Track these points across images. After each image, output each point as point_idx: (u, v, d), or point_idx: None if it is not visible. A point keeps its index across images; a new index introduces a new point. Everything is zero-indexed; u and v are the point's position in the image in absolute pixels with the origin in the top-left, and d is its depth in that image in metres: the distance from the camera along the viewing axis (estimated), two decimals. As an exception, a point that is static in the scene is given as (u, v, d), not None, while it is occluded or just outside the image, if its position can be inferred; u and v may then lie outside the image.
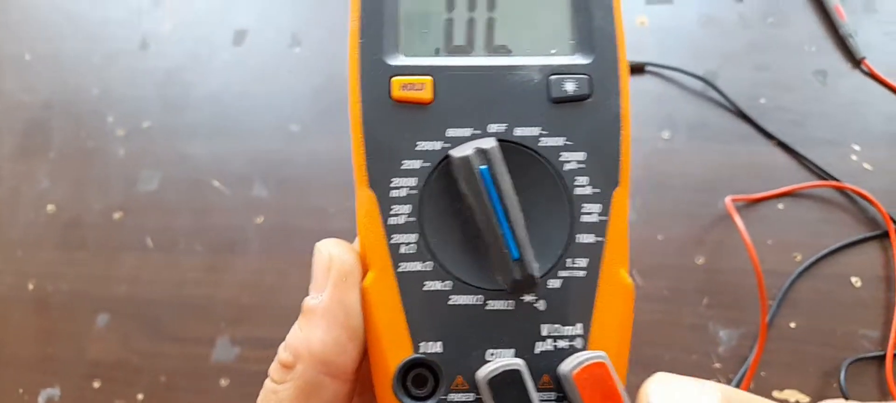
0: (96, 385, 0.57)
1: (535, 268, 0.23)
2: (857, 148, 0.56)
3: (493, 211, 0.22)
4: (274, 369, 0.24)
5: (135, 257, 0.62)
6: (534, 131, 0.23)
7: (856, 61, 0.58)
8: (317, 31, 0.68)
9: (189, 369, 0.57)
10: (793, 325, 0.52)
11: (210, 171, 0.64)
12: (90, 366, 0.58)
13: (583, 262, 0.24)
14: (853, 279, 0.53)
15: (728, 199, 0.54)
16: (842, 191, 0.55)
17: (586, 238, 0.24)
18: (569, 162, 0.24)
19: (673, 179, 0.57)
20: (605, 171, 0.24)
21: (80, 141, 0.67)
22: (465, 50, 0.24)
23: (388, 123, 0.23)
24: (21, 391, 0.58)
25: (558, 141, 0.24)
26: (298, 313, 0.24)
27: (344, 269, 0.23)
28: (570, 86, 0.24)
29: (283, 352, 0.24)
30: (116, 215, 0.63)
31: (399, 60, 0.24)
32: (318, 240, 0.25)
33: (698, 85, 0.60)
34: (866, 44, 0.59)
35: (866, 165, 0.56)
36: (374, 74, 0.23)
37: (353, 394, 0.24)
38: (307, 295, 0.24)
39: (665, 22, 0.62)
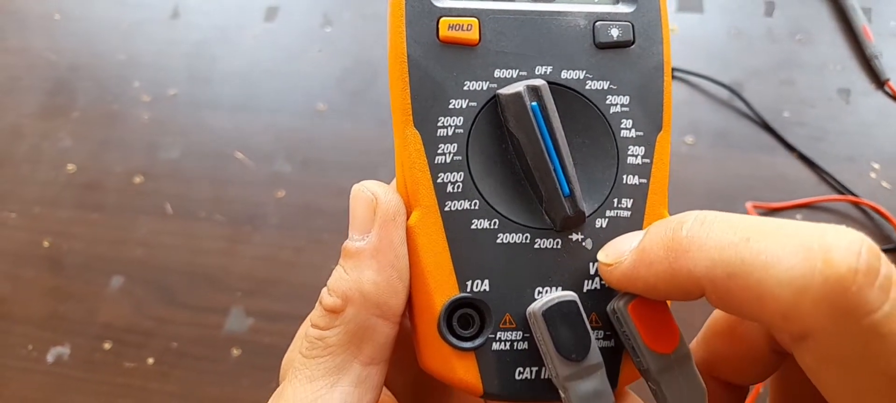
0: (107, 346, 0.57)
1: (586, 207, 0.23)
2: (876, 166, 0.57)
3: (544, 146, 0.22)
4: (318, 316, 0.23)
5: (153, 222, 0.62)
6: (579, 74, 0.24)
7: (880, 82, 0.60)
8: (348, 12, 0.69)
9: (201, 337, 0.57)
10: (805, 335, 0.52)
11: (233, 144, 0.64)
12: (101, 328, 0.58)
13: (628, 202, 0.24)
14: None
15: (749, 205, 0.55)
16: (859, 206, 0.56)
17: (631, 179, 0.24)
18: (614, 105, 0.24)
19: (693, 184, 0.58)
20: (649, 116, 0.24)
21: (104, 103, 0.67)
22: None
23: (435, 63, 0.23)
24: (30, 347, 0.58)
25: (603, 85, 0.24)
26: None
27: (390, 209, 0.23)
28: (614, 32, 0.24)
29: (328, 297, 0.23)
30: (137, 179, 0.63)
31: (445, 2, 0.24)
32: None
33: (724, 94, 0.61)
34: (891, 66, 0.60)
35: (885, 183, 0.57)
36: (421, 14, 0.23)
37: (397, 338, 0.23)
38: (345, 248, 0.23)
39: (695, 30, 0.63)
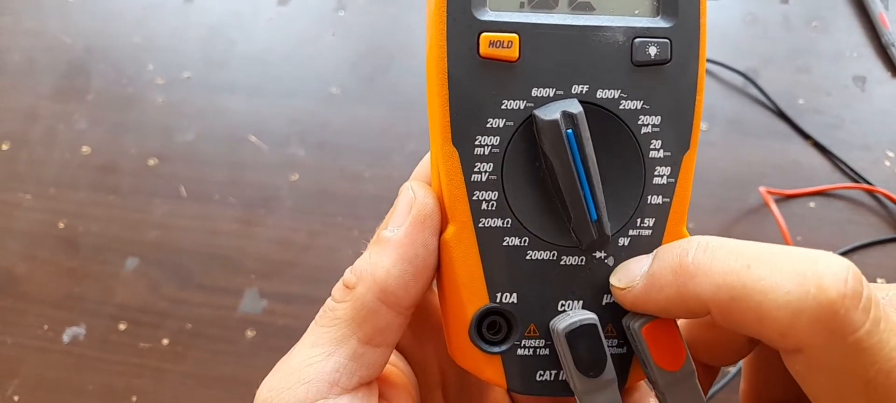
0: (122, 327, 0.58)
1: (610, 229, 0.24)
2: (891, 154, 0.57)
3: (576, 174, 0.23)
4: (337, 289, 0.25)
5: (168, 204, 0.62)
6: (614, 93, 0.24)
7: None
8: (362, -2, 0.69)
9: (216, 318, 0.57)
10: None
11: (248, 127, 0.64)
12: (117, 308, 0.58)
13: (650, 221, 0.25)
14: (879, 281, 0.54)
15: (762, 189, 0.55)
16: (874, 194, 0.56)
17: (655, 199, 0.25)
18: (645, 125, 0.24)
19: (707, 171, 0.58)
20: (678, 135, 0.25)
21: (119, 86, 0.67)
22: (549, 5, 0.24)
23: (475, 80, 0.23)
24: (46, 327, 0.58)
25: (637, 104, 0.24)
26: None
27: (424, 212, 0.24)
28: (652, 51, 0.24)
29: (348, 274, 0.25)
30: (151, 161, 0.64)
31: (487, 15, 0.23)
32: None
33: (739, 81, 0.61)
34: (907, 53, 0.60)
35: (899, 172, 0.57)
36: (462, 28, 0.23)
37: (404, 327, 0.25)
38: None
39: (709, 16, 0.63)
